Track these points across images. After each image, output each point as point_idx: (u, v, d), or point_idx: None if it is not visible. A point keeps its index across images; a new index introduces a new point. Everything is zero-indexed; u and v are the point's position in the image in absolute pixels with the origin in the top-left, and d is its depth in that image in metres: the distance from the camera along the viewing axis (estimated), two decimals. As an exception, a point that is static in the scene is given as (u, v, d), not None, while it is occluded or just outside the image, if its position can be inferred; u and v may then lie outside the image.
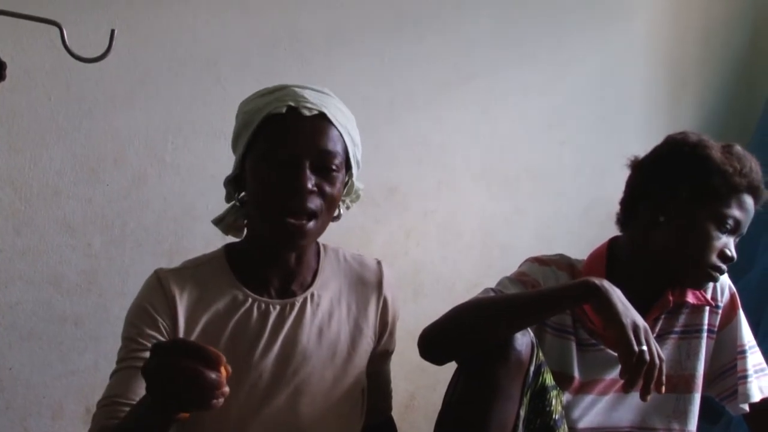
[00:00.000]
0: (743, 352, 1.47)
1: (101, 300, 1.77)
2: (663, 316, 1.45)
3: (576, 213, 2.61)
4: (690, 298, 1.44)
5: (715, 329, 1.48)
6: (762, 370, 1.49)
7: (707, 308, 1.47)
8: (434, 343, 1.32)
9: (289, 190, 1.13)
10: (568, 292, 1.24)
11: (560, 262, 1.49)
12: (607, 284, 1.21)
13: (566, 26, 2.53)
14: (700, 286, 1.43)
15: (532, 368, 1.26)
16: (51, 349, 1.73)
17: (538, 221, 2.54)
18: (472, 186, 2.39)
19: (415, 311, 2.21)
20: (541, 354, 1.29)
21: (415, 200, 2.27)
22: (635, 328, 1.16)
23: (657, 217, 1.39)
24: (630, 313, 1.19)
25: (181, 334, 1.19)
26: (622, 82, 2.71)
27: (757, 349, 1.50)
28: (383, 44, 2.17)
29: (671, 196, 1.38)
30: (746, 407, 1.47)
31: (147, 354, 1.12)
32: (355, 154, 1.24)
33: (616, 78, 2.68)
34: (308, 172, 1.14)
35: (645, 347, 1.15)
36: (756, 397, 1.46)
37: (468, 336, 1.27)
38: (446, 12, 2.28)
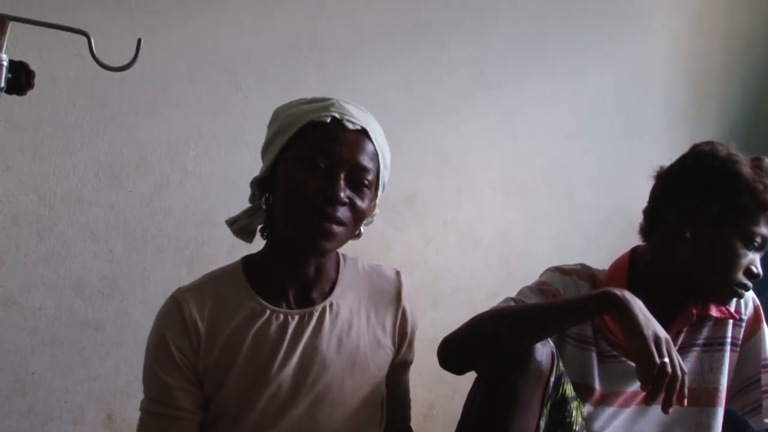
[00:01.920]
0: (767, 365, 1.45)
1: (123, 306, 1.79)
2: (686, 329, 1.44)
3: (595, 222, 2.60)
4: (713, 311, 1.43)
5: (739, 342, 1.46)
6: None
7: (731, 321, 1.45)
8: (454, 352, 1.31)
9: (323, 196, 1.14)
10: (589, 302, 1.23)
11: (581, 272, 1.48)
12: (628, 295, 1.20)
13: (586, 35, 2.52)
14: (725, 302, 1.41)
15: (552, 378, 1.25)
16: (72, 355, 1.74)
17: (557, 230, 2.53)
18: (491, 195, 2.39)
19: (434, 320, 2.21)
20: (561, 364, 1.28)
21: (434, 209, 2.27)
22: (657, 339, 1.15)
23: (683, 231, 1.37)
24: (651, 325, 1.17)
25: (202, 352, 1.20)
26: (643, 92, 2.69)
27: None
28: (403, 53, 2.18)
29: (699, 211, 1.36)
30: None
31: (178, 398, 1.19)
32: (384, 176, 1.25)
33: (636, 87, 2.67)
34: (343, 183, 1.16)
35: (667, 359, 1.13)
36: None
37: (488, 345, 1.27)
38: (466, 22, 2.28)
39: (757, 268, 1.35)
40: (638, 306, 1.19)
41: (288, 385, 1.21)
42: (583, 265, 1.51)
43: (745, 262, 1.34)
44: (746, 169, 1.35)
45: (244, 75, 1.92)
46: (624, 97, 2.64)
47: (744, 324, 1.46)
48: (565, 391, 1.28)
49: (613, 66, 2.61)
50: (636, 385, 1.36)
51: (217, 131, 1.88)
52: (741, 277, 1.35)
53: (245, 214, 1.27)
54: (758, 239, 1.34)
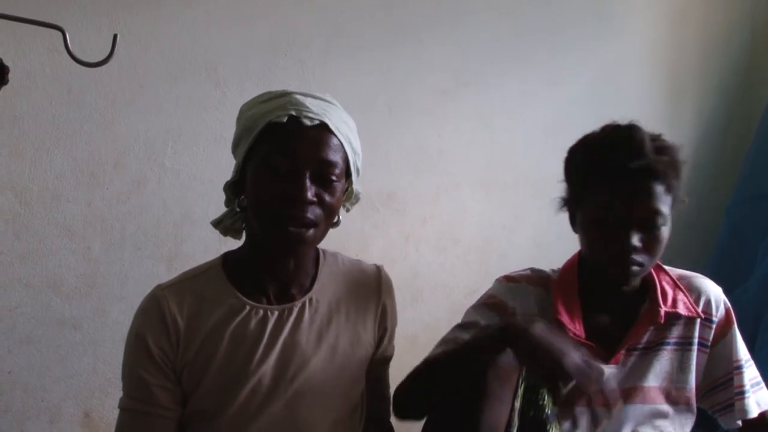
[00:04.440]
0: (739, 367, 1.44)
1: (100, 304, 1.78)
2: (652, 328, 1.41)
3: (574, 220, 2.62)
4: (681, 309, 1.41)
5: (708, 343, 1.44)
6: (758, 383, 1.47)
7: (698, 321, 1.43)
8: (402, 407, 1.35)
9: (289, 200, 1.13)
10: (486, 342, 1.21)
11: (531, 277, 1.47)
12: (529, 323, 1.17)
13: (565, 34, 2.54)
14: (622, 283, 1.37)
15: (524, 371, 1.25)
16: (50, 353, 1.73)
17: (536, 228, 2.55)
18: (470, 192, 2.40)
19: (413, 317, 2.22)
20: None
21: (413, 206, 2.28)
22: (565, 356, 1.12)
23: (573, 222, 1.43)
24: (555, 341, 1.14)
25: (181, 349, 1.20)
26: (621, 90, 2.72)
27: (752, 363, 1.47)
28: (383, 51, 2.18)
29: (566, 201, 1.43)
30: (740, 422, 1.45)
31: (157, 395, 1.18)
32: (356, 162, 1.24)
33: (614, 85, 2.70)
34: (308, 182, 1.14)
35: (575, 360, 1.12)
36: (754, 412, 1.43)
37: (421, 401, 1.31)
38: (445, 21, 2.29)
39: (627, 244, 1.30)
40: (538, 329, 1.16)
41: (268, 381, 1.21)
42: (533, 269, 1.50)
43: (609, 241, 1.32)
44: (581, 149, 1.40)
45: (223, 72, 1.91)
46: (601, 96, 2.66)
47: (714, 325, 1.44)
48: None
49: (591, 65, 2.63)
50: (600, 385, 1.34)
51: (195, 128, 1.88)
52: (613, 257, 1.32)
53: (228, 215, 1.27)
54: (608, 215, 1.31)
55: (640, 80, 2.77)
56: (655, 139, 1.35)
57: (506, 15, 2.42)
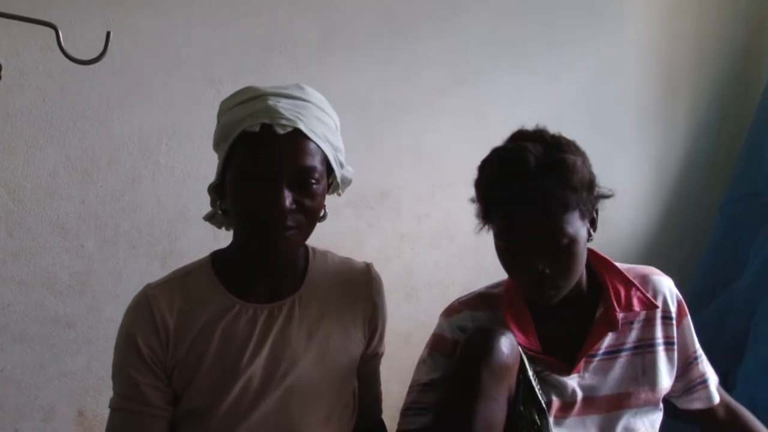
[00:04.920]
0: (698, 357, 1.42)
1: (94, 301, 1.77)
2: (610, 334, 1.35)
3: (568, 217, 2.62)
4: (636, 305, 1.35)
5: (674, 340, 1.39)
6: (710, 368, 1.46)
7: (659, 321, 1.38)
8: None
9: (267, 210, 1.12)
10: None
11: (473, 302, 1.41)
12: None
13: (560, 32, 2.54)
14: (539, 303, 1.31)
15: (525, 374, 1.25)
16: (43, 351, 1.73)
17: (531, 225, 2.54)
18: (465, 190, 2.38)
19: (408, 314, 2.21)
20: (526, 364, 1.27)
21: (408, 204, 2.28)
22: None
23: None
24: None
25: (171, 348, 1.20)
26: (616, 88, 2.72)
27: (699, 348, 1.45)
28: (378, 48, 2.18)
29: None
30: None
31: (147, 395, 1.18)
32: (337, 157, 1.22)
33: (609, 84, 2.70)
34: (286, 190, 1.12)
35: None
36: (717, 397, 1.43)
37: None
38: (441, 17, 2.29)
39: (530, 269, 1.24)
40: None
41: (258, 379, 1.21)
42: (480, 293, 1.44)
43: (517, 264, 1.27)
44: (479, 172, 1.36)
45: (218, 69, 1.90)
46: (597, 94, 2.66)
47: (674, 321, 1.39)
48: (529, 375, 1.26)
49: (586, 63, 2.63)
50: (565, 397, 1.31)
51: (190, 126, 1.87)
52: (524, 279, 1.27)
53: (217, 210, 1.27)
54: (508, 240, 1.27)
55: (635, 79, 2.77)
56: (547, 150, 1.28)
57: (502, 11, 2.41)
